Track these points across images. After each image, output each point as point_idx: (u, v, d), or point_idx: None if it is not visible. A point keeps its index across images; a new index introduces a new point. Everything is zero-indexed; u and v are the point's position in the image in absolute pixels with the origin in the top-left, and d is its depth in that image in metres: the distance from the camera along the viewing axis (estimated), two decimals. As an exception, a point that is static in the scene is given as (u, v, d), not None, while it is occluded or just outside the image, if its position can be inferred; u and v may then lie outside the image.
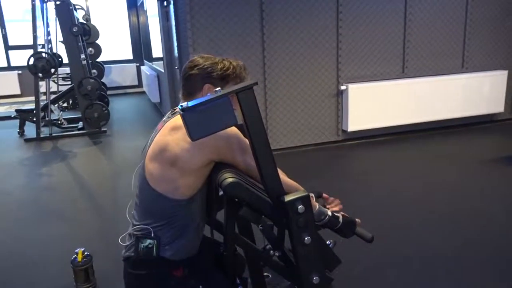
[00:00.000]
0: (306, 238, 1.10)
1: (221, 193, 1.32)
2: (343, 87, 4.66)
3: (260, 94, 4.48)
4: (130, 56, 9.97)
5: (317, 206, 1.41)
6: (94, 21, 8.67)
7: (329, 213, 1.41)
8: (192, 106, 1.00)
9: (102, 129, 5.98)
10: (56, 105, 6.58)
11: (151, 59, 8.51)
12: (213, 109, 1.01)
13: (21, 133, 6.06)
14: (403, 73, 4.94)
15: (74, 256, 2.28)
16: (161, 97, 6.94)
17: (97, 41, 7.79)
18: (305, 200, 1.09)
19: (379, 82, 4.77)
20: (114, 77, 9.71)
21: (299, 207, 1.09)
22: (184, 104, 1.02)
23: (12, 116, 6.31)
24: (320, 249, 1.22)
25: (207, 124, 1.02)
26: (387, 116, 4.83)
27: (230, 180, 1.18)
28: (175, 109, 1.41)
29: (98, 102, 5.99)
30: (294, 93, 4.59)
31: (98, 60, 7.96)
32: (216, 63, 1.38)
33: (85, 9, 8.70)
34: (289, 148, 4.69)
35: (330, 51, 4.60)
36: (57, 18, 5.88)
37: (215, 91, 1.05)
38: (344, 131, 4.82)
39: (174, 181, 1.28)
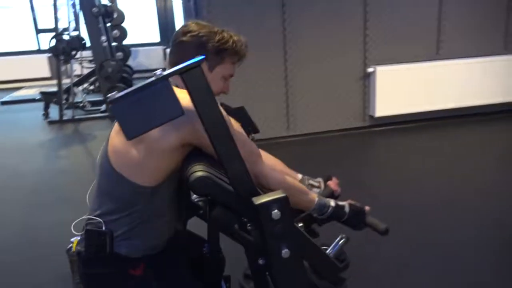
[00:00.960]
0: (283, 251, 0.89)
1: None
2: (370, 70, 4.37)
3: (281, 77, 4.25)
4: (157, 39, 9.88)
5: (316, 198, 1.21)
6: (120, 4, 8.60)
7: (332, 203, 1.23)
8: (122, 96, 0.80)
9: (124, 112, 5.90)
10: (81, 87, 6.57)
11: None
12: (150, 97, 0.81)
13: (46, 115, 6.08)
14: (438, 54, 4.55)
15: (69, 245, 2.17)
16: (184, 80, 6.81)
17: (123, 24, 7.72)
18: (282, 203, 0.88)
19: (410, 64, 4.44)
20: (141, 60, 9.65)
21: (273, 211, 0.87)
22: (112, 94, 0.82)
23: (37, 98, 6.34)
24: (316, 259, 1.01)
25: (144, 117, 0.82)
26: (418, 101, 4.50)
27: (199, 174, 0.99)
28: None
29: (120, 85, 5.90)
30: (317, 76, 4.32)
31: (124, 43, 7.88)
32: (214, 33, 1.18)
33: (112, -9, 8.61)
34: (311, 134, 4.44)
35: (356, 30, 4.28)
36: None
37: (155, 74, 0.84)
38: (371, 117, 4.54)
39: (138, 160, 1.09)
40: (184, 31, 1.20)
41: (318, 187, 1.42)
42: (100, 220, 1.14)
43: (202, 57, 0.88)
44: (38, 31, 9.19)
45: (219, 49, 1.18)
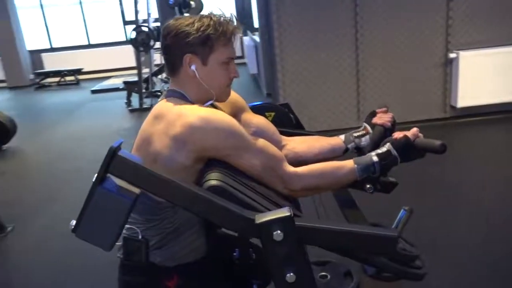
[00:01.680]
0: (288, 275, 0.80)
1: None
2: (453, 55, 4.02)
3: (352, 65, 4.04)
4: (235, 27, 9.97)
5: (355, 165, 1.10)
6: (199, -7, 8.78)
7: (374, 158, 1.11)
8: (77, 221, 0.89)
9: (198, 100, 6.06)
10: (159, 77, 6.85)
11: (252, 30, 8.40)
12: (99, 207, 0.89)
13: (128, 103, 6.44)
14: (535, 36, 4.04)
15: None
16: (258, 68, 6.81)
17: (201, 13, 7.88)
18: (285, 223, 0.78)
19: (500, 48, 4.01)
20: (220, 49, 9.82)
21: (275, 232, 0.78)
22: (71, 223, 0.90)
23: (120, 87, 6.74)
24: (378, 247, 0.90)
25: (108, 224, 0.89)
26: (507, 90, 4.05)
27: (212, 183, 0.95)
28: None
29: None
30: (392, 62, 4.06)
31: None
32: (192, 24, 1.09)
33: (191, -19, 8.81)
34: (384, 125, 4.19)
35: (438, 12, 3.94)
36: (157, -9, 6.02)
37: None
38: (453, 107, 4.19)
39: None
40: (164, 34, 1.13)
41: (366, 133, 1.29)
42: (136, 229, 1.14)
43: (120, 141, 0.90)
44: (125, 23, 9.75)
45: (203, 38, 1.09)
